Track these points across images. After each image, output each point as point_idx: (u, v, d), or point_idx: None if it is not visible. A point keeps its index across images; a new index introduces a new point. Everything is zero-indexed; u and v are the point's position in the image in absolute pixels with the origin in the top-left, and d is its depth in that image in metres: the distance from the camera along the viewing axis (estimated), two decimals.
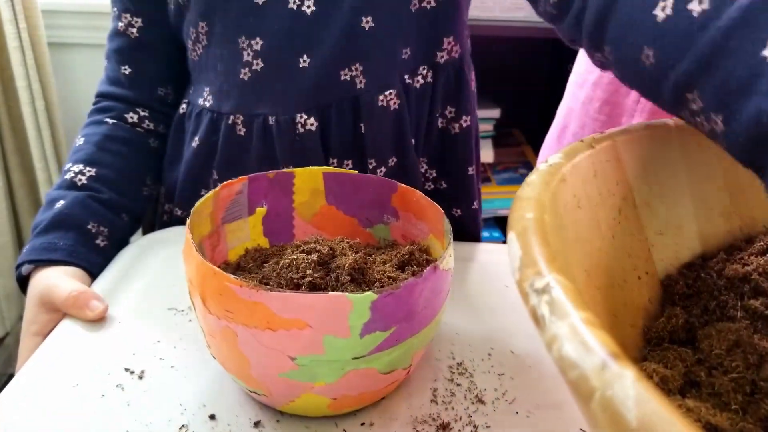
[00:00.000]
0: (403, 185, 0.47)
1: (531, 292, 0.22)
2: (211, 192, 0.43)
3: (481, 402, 0.40)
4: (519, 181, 1.57)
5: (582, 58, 0.78)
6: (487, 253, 0.61)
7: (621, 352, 0.18)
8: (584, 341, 0.19)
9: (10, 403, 0.39)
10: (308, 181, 0.49)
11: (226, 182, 0.45)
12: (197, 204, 0.42)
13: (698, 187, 0.40)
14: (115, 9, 0.62)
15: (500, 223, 1.57)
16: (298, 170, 0.49)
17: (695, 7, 0.28)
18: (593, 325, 0.19)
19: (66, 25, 1.41)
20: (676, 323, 0.35)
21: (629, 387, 0.17)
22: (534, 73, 1.57)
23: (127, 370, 0.42)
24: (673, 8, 0.29)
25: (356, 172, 0.49)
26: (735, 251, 0.39)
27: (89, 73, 1.47)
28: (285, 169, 0.48)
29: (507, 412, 0.40)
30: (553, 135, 0.80)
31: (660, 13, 0.30)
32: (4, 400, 0.39)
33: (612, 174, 0.35)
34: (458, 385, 0.42)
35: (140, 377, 0.41)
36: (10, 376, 1.35)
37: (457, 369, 0.44)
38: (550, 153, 0.80)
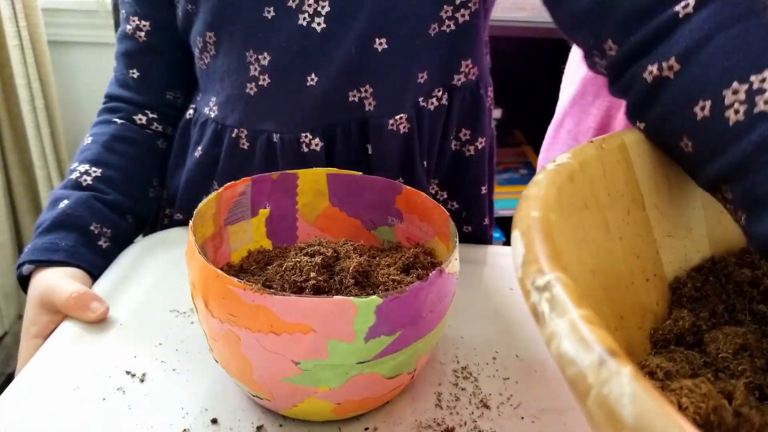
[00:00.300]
0: (408, 187, 0.47)
1: (532, 289, 0.22)
2: (214, 193, 0.43)
3: (486, 407, 0.40)
4: (519, 181, 1.56)
5: (573, 56, 0.77)
6: (491, 255, 0.60)
7: (619, 350, 0.18)
8: (582, 338, 0.19)
9: (11, 406, 0.38)
10: (311, 182, 0.49)
11: (229, 183, 0.44)
12: (200, 205, 0.41)
13: None
14: (124, 11, 0.61)
15: (501, 224, 1.57)
16: (301, 171, 0.48)
17: (731, 116, 0.32)
18: (592, 323, 0.19)
19: (66, 23, 1.41)
20: (683, 326, 0.34)
21: (626, 384, 0.17)
22: (534, 73, 1.57)
23: (128, 373, 0.41)
24: (711, 111, 0.32)
25: (360, 173, 0.48)
26: (745, 255, 0.39)
27: (89, 71, 1.46)
28: (288, 171, 0.48)
29: (512, 416, 0.39)
30: (550, 133, 0.80)
31: (699, 112, 0.33)
32: (5, 403, 0.39)
33: (621, 175, 0.35)
34: (463, 389, 0.42)
35: (141, 380, 0.41)
36: (9, 376, 1.35)
37: (462, 373, 0.43)
38: (548, 151, 0.80)
